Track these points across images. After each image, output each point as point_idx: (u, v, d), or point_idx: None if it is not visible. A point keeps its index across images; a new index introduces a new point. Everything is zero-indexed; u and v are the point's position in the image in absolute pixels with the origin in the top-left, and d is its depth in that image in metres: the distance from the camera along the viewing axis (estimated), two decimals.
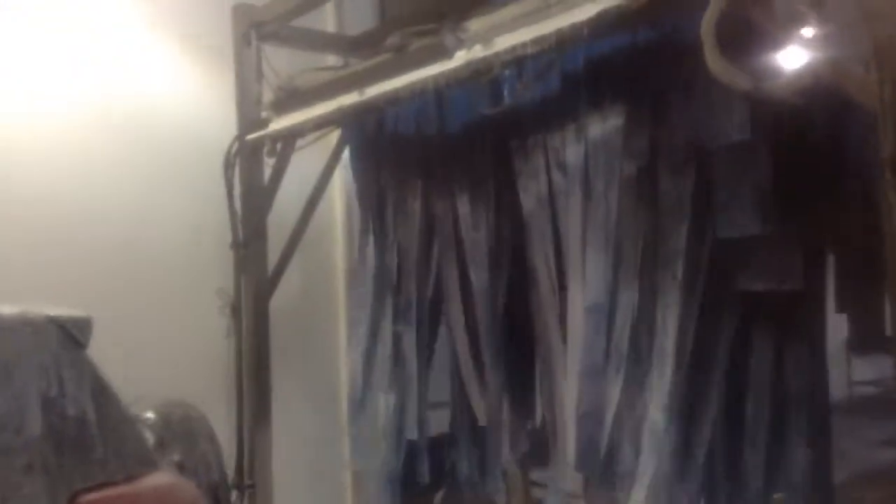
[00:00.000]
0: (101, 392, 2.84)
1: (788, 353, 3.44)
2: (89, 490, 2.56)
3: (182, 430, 3.73)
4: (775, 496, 3.31)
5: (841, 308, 3.61)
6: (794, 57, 2.78)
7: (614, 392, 3.62)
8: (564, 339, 4.01)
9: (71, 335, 2.86)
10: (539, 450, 4.73)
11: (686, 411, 3.51)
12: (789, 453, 3.43)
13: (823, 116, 3.17)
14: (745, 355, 3.51)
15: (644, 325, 3.57)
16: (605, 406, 3.66)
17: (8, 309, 2.76)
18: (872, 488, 5.68)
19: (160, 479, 2.88)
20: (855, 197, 3.18)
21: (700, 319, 3.49)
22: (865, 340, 6.72)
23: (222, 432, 5.31)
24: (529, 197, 4.16)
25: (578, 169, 3.82)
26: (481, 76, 3.69)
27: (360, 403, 5.38)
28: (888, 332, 3.74)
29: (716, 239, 3.38)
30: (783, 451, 3.45)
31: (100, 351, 4.89)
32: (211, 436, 3.95)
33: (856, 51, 2.67)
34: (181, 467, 3.41)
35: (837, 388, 8.91)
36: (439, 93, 4.17)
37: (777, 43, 2.80)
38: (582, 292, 3.82)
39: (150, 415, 3.57)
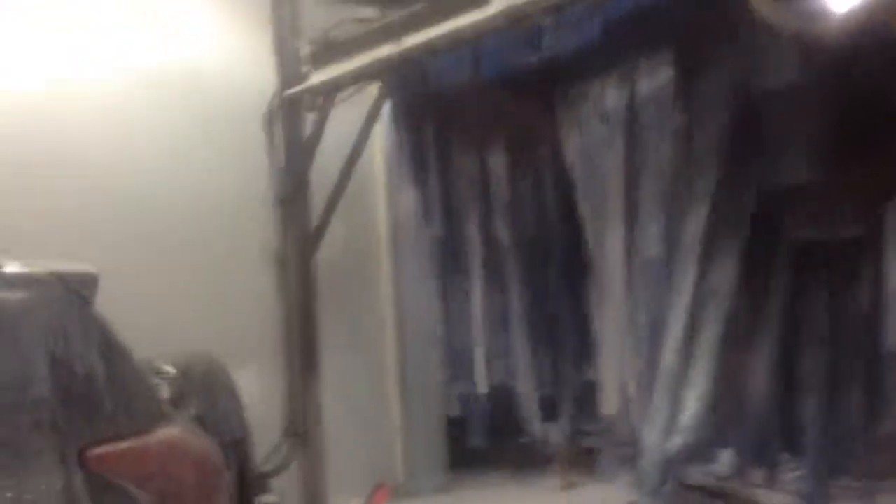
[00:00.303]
0: (109, 348, 2.77)
1: (844, 301, 3.38)
2: (97, 444, 2.53)
3: (202, 383, 3.62)
4: None
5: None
6: None
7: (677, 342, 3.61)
8: (609, 292, 3.99)
9: (76, 291, 2.77)
10: (591, 402, 4.76)
11: (738, 362, 3.49)
12: (845, 401, 3.40)
13: (876, 57, 3.04)
14: (800, 304, 3.46)
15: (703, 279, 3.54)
16: (657, 356, 3.66)
17: (12, 266, 2.69)
18: None
19: (170, 432, 2.82)
20: None
21: (752, 268, 3.44)
22: None
23: (274, 384, 5.47)
24: (572, 147, 4.10)
25: (623, 119, 3.74)
26: (520, 23, 3.61)
27: (422, 356, 5.42)
28: None
29: (767, 187, 3.31)
30: (839, 399, 3.42)
31: (151, 307, 5.07)
32: (232, 389, 3.87)
33: None
34: (200, 421, 3.28)
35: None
36: (478, 43, 4.10)
37: None
38: (628, 244, 3.78)
39: (168, 369, 3.46)
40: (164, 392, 3.23)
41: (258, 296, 5.44)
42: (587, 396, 4.70)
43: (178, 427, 2.94)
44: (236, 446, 3.65)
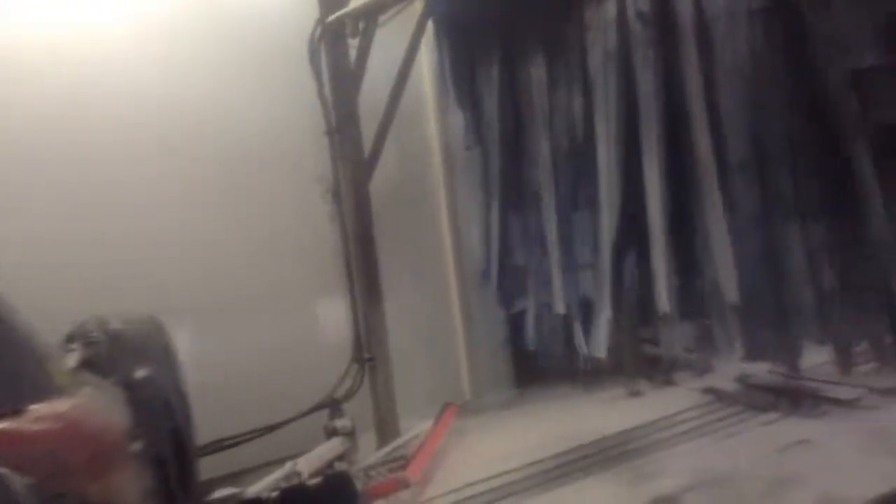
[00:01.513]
0: None
1: None
2: None
3: (131, 347, 3.29)
4: None
5: None
6: None
7: (788, 234, 3.64)
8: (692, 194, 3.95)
9: None
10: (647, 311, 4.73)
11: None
12: None
13: None
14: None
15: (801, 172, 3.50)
16: (773, 248, 3.69)
17: None
18: None
19: (58, 407, 2.47)
20: None
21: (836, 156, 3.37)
22: None
23: (339, 312, 5.58)
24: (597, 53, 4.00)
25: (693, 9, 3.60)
26: None
27: (485, 275, 5.43)
28: None
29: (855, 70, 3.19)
30: None
31: (208, 245, 5.16)
32: (167, 350, 3.50)
33: None
34: (128, 387, 2.99)
35: None
36: None
37: None
38: (716, 145, 3.72)
39: (94, 334, 3.15)
40: (72, 359, 2.97)
41: (315, 227, 5.51)
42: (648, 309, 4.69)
43: (74, 400, 2.61)
44: (168, 406, 3.33)
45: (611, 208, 4.38)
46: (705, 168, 3.85)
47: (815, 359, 4.49)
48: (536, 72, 4.47)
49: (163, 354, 3.45)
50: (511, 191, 5.18)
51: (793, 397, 5.22)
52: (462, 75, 5.20)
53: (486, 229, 5.37)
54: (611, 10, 3.83)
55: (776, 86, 3.49)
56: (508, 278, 5.40)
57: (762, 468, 4.34)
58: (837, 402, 5.08)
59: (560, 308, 5.18)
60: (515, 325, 6.12)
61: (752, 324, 4.03)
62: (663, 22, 3.69)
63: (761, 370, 5.62)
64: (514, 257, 5.31)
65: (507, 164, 5.11)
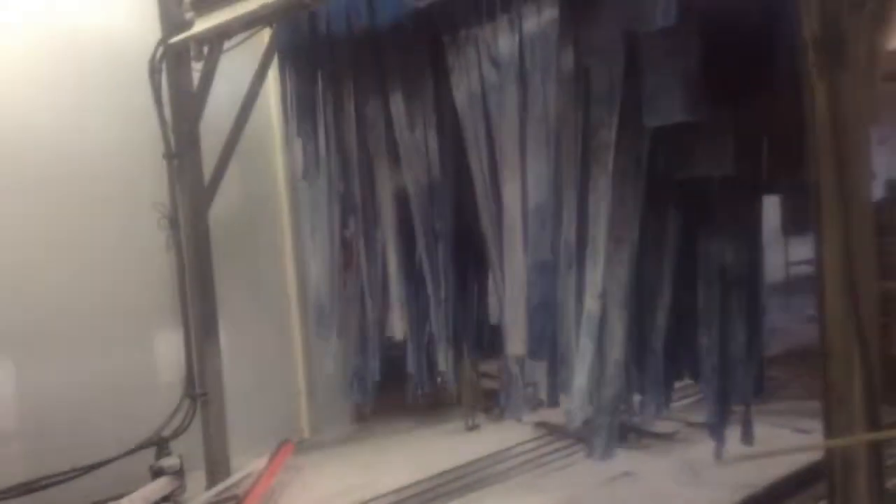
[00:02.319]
0: None
1: (727, 238, 3.53)
2: None
3: None
4: None
5: (774, 190, 3.68)
6: None
7: (569, 285, 3.69)
8: (501, 237, 4.03)
9: None
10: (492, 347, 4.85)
11: (637, 300, 3.59)
12: (734, 332, 3.57)
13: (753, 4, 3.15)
14: (692, 243, 3.59)
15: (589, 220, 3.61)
16: (556, 298, 3.74)
17: None
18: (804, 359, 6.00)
19: None
20: (786, 80, 3.18)
21: (646, 210, 3.53)
22: (799, 221, 6.91)
23: (171, 345, 5.35)
24: (462, 94, 4.11)
25: (513, 63, 3.76)
26: None
27: (323, 309, 5.36)
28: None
29: (654, 129, 3.38)
30: (729, 331, 3.59)
31: (38, 268, 4.87)
32: None
33: None
34: None
35: (776, 268, 9.36)
36: None
37: None
38: (522, 189, 3.82)
39: None
40: None
41: (150, 255, 5.27)
42: (489, 341, 4.79)
43: None
44: None
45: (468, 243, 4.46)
46: (510, 213, 3.97)
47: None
48: (393, 108, 4.52)
49: None
50: (349, 224, 5.18)
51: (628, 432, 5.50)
52: (306, 106, 5.18)
53: (328, 261, 5.32)
54: (471, 54, 3.94)
55: (575, 139, 3.65)
56: (346, 312, 5.36)
57: (591, 499, 4.53)
58: (657, 436, 5.39)
59: (399, 334, 5.21)
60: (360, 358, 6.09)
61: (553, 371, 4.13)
62: (510, 68, 3.82)
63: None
64: (353, 290, 5.29)
65: (351, 197, 5.11)
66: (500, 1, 3.80)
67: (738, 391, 3.63)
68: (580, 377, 3.57)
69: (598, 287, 3.52)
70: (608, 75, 3.44)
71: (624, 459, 5.14)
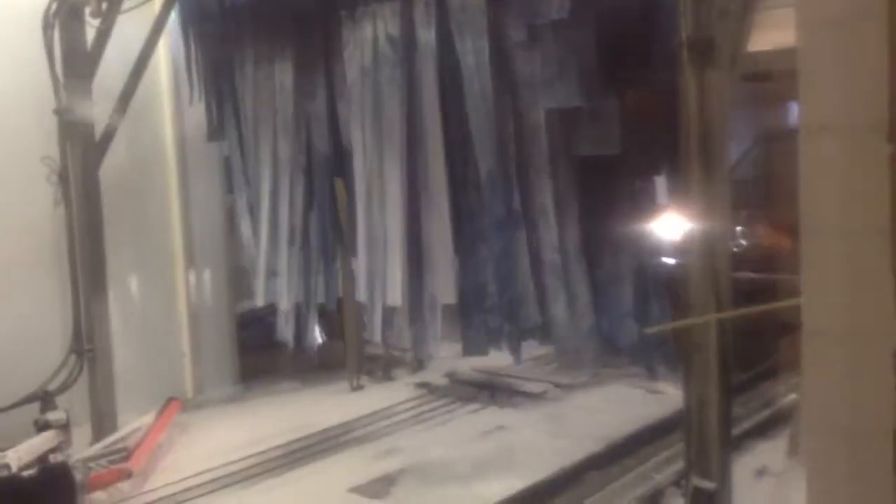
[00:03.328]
0: None
1: (618, 209, 4.03)
2: None
3: None
4: None
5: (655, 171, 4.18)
6: None
7: (520, 240, 4.12)
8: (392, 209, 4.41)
9: None
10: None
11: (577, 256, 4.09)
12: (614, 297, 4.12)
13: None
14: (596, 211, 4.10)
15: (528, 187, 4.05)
16: (513, 250, 4.17)
17: None
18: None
19: None
20: (664, 72, 3.65)
21: (567, 182, 3.99)
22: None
23: (55, 300, 5.31)
24: (353, 68, 4.38)
25: (405, 43, 4.07)
26: None
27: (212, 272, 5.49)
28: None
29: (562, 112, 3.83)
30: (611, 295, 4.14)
31: None
32: None
33: None
34: None
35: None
36: None
37: None
38: (466, 160, 4.19)
39: None
40: None
41: (38, 210, 5.21)
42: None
43: None
44: None
45: (364, 209, 4.74)
46: (436, 180, 4.34)
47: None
48: (288, 77, 4.71)
49: None
50: (238, 188, 5.35)
51: (492, 391, 5.95)
52: (209, 70, 5.27)
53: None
54: (367, 30, 4.19)
55: (489, 118, 4.07)
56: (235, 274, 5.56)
57: (467, 451, 4.93)
58: (528, 395, 5.87)
59: (284, 305, 5.44)
60: (245, 320, 6.27)
61: (471, 323, 4.58)
62: (409, 47, 4.13)
63: (466, 368, 6.31)
64: (257, 253, 5.50)
65: (238, 161, 5.28)
66: None
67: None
68: (560, 312, 4.01)
69: (555, 242, 3.95)
70: (529, 62, 3.83)
71: (497, 415, 5.62)
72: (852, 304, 1.27)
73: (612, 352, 4.33)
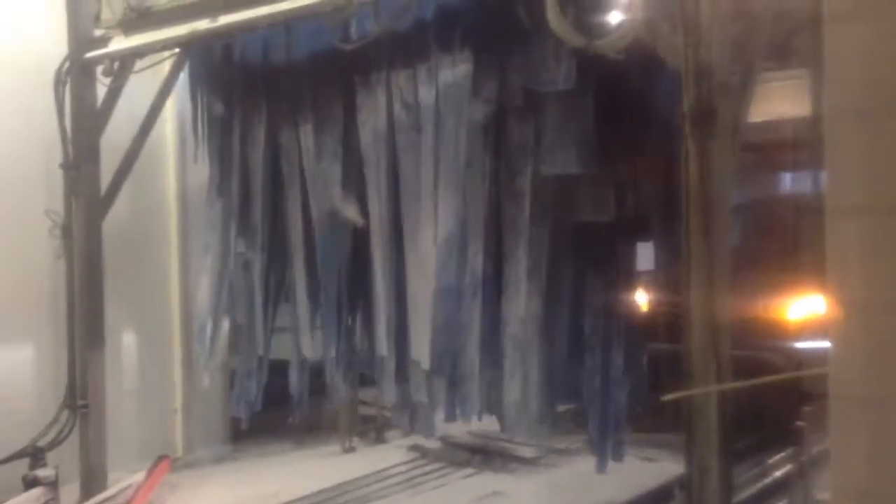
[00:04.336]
0: None
1: (606, 275, 4.06)
2: None
3: None
4: None
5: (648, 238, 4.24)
6: (619, 17, 3.27)
7: (473, 309, 4.07)
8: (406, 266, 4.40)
9: None
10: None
11: (543, 329, 4.06)
12: (614, 359, 4.10)
13: (640, 72, 3.71)
14: (583, 278, 4.11)
15: (495, 255, 4.05)
16: (461, 320, 4.12)
17: None
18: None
19: None
20: (662, 142, 3.75)
21: (550, 249, 4.01)
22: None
23: (55, 355, 5.29)
24: (367, 132, 4.46)
25: (430, 109, 4.15)
26: (341, 13, 3.89)
27: (205, 327, 5.45)
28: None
29: (556, 177, 3.88)
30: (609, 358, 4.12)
31: None
32: None
33: (666, 11, 3.17)
34: None
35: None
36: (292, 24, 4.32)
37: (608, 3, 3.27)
38: (435, 224, 4.20)
39: None
40: None
41: (41, 263, 5.23)
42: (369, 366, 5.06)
43: None
44: None
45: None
46: (413, 245, 4.36)
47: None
48: (303, 140, 4.78)
49: None
50: (242, 246, 5.36)
51: (486, 455, 5.90)
52: (212, 130, 5.35)
53: (218, 283, 5.46)
54: (380, 96, 4.29)
55: (484, 183, 4.12)
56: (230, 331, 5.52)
57: None
58: (523, 460, 5.82)
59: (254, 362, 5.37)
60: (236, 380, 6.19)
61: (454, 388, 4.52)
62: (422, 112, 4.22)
63: (461, 430, 6.25)
64: (237, 311, 5.46)
65: (251, 219, 5.30)
66: (417, 50, 4.20)
67: (615, 412, 4.12)
68: (513, 393, 3.97)
69: (522, 314, 3.94)
70: (519, 127, 3.91)
71: (491, 480, 5.56)
72: (880, 370, 1.29)
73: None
